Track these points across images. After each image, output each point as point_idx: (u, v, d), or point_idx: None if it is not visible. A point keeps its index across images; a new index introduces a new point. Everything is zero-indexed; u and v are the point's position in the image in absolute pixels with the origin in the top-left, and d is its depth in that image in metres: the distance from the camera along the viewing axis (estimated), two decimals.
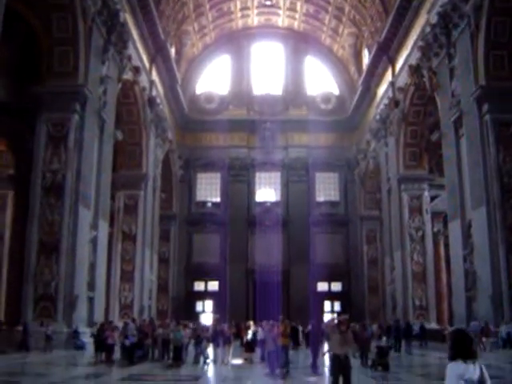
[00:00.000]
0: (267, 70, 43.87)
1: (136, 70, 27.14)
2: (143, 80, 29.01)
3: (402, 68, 29.17)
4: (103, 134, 22.60)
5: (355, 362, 13.70)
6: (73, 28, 20.09)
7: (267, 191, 41.46)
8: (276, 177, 41.54)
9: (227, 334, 17.87)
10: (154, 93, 31.04)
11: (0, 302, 24.84)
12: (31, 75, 20.82)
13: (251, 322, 22.74)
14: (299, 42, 42.98)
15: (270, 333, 15.58)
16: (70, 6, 19.75)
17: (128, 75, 26.02)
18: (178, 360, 16.39)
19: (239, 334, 24.65)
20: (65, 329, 18.94)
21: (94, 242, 21.42)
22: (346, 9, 36.60)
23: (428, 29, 23.63)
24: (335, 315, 36.28)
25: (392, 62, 31.02)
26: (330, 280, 39.56)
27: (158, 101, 31.90)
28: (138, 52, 27.82)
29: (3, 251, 25.05)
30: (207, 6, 37.74)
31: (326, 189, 41.64)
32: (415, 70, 26.53)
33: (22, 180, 22.18)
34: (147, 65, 30.20)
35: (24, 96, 20.71)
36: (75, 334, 18.95)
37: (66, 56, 20.38)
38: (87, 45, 20.70)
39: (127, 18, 24.70)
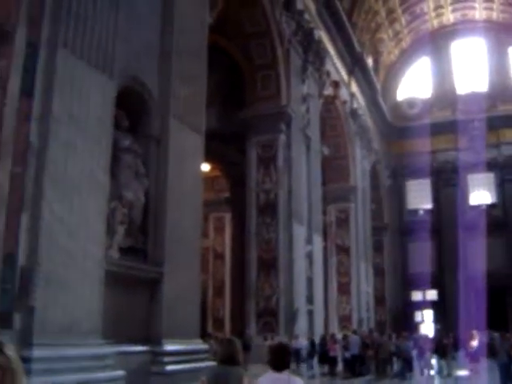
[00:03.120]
0: (469, 66, 41.82)
1: (335, 85, 27.54)
2: (343, 93, 29.31)
3: None
4: (310, 151, 23.16)
5: None
6: (271, 52, 20.96)
7: (480, 193, 39.29)
8: (489, 177, 39.19)
9: (447, 344, 17.25)
10: (355, 105, 31.19)
11: (225, 316, 26.40)
12: (237, 102, 22.01)
13: (474, 332, 21.64)
14: (500, 33, 40.40)
15: (503, 343, 14.73)
16: (267, 32, 20.65)
17: (328, 90, 26.46)
18: (405, 372, 16.14)
19: (458, 343, 23.59)
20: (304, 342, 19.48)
21: (309, 256, 21.93)
22: None
23: None
24: None
25: None
26: None
27: (360, 112, 31.99)
28: (336, 67, 28.19)
29: (225, 269, 26.60)
30: (399, 11, 37.19)
31: None
32: None
33: (237, 202, 23.45)
34: (346, 78, 30.45)
35: (233, 122, 21.98)
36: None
37: (267, 80, 21.28)
38: (286, 66, 21.44)
39: (321, 35, 25.17)
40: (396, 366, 17.47)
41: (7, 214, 7.43)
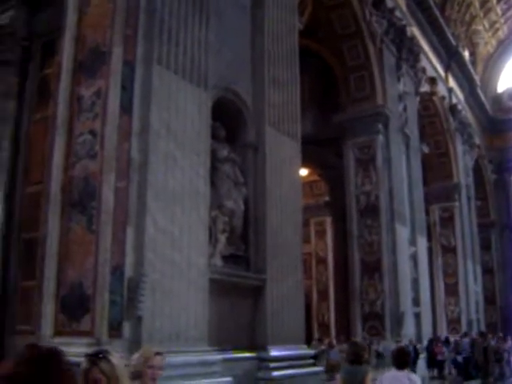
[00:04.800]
0: None
1: (432, 81, 26.83)
2: (441, 89, 28.50)
3: None
4: (409, 150, 22.67)
5: None
6: (364, 53, 20.70)
7: None
8: None
9: None
10: (454, 100, 30.26)
11: (330, 321, 26.24)
12: (332, 105, 21.88)
13: None
14: None
15: None
16: (358, 33, 20.41)
17: (425, 87, 25.82)
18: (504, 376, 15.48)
19: None
20: (393, 345, 19.13)
21: (413, 257, 21.43)
22: None
23: None
24: None
25: None
26: None
27: (460, 107, 30.99)
28: (431, 62, 27.46)
29: (328, 274, 26.45)
30: (493, 1, 35.77)
31: None
32: None
33: (337, 205, 23.26)
34: (442, 73, 29.60)
35: (328, 126, 21.85)
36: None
37: (361, 81, 21.02)
38: (380, 66, 21.09)
39: (414, 31, 24.60)
40: (498, 368, 16.76)
41: (113, 227, 7.73)
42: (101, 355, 2.35)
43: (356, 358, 6.28)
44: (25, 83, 10.76)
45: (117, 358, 2.34)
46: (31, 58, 10.84)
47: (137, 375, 3.64)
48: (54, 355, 1.87)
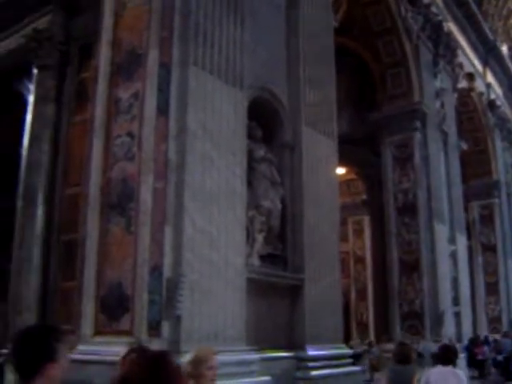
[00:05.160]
0: None
1: (470, 77, 26.44)
2: (479, 85, 28.07)
3: None
4: (447, 147, 22.37)
5: None
6: (400, 49, 20.50)
7: None
8: None
9: None
10: (492, 96, 29.76)
11: (368, 320, 26.05)
12: (368, 103, 21.73)
13: None
14: None
15: None
16: (394, 29, 20.22)
17: (462, 83, 25.46)
18: None
19: None
20: (433, 345, 18.90)
21: (453, 256, 21.14)
22: None
23: None
24: None
25: None
26: None
27: (498, 103, 30.47)
28: (469, 58, 27.06)
29: (366, 272, 26.27)
30: None
31: None
32: None
33: (374, 203, 23.07)
34: (480, 69, 29.14)
35: (364, 124, 21.70)
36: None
37: (398, 78, 20.82)
38: (416, 62, 20.85)
39: (451, 27, 24.27)
40: None
41: (152, 228, 7.81)
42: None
43: (404, 358, 6.47)
44: (63, 87, 10.92)
45: None
46: (69, 62, 11.01)
47: (195, 375, 3.64)
48: (164, 357, 1.99)
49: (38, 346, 2.27)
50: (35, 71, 11.04)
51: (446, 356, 6.44)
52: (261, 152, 10.28)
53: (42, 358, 2.25)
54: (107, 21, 9.35)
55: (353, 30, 19.95)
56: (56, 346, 2.30)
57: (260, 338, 9.14)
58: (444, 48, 22.98)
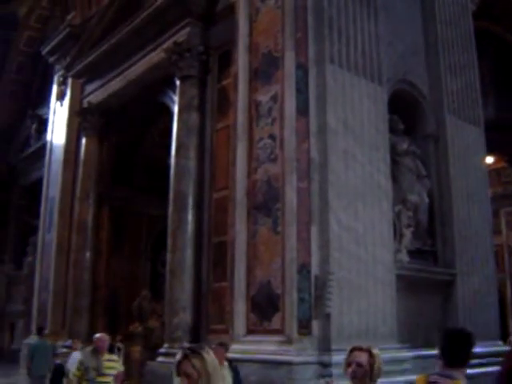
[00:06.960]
0: None
1: None
2: None
3: None
4: None
5: None
6: None
7: None
8: None
9: None
10: None
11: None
12: None
13: None
14: None
15: None
16: None
17: None
18: None
19: None
20: None
21: None
22: None
23: None
24: None
25: None
26: None
27: None
28: None
29: None
30: None
31: None
32: None
33: None
34: None
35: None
36: None
37: None
38: None
39: None
40: None
41: (298, 227, 7.89)
42: (194, 350, 2.38)
43: None
44: (205, 95, 11.28)
45: (211, 354, 2.37)
46: (209, 71, 11.35)
47: None
48: None
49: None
50: (178, 82, 11.48)
51: None
52: (404, 145, 10.06)
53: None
54: (243, 27, 9.58)
55: (492, 10, 18.95)
56: None
57: (411, 336, 8.94)
58: None
